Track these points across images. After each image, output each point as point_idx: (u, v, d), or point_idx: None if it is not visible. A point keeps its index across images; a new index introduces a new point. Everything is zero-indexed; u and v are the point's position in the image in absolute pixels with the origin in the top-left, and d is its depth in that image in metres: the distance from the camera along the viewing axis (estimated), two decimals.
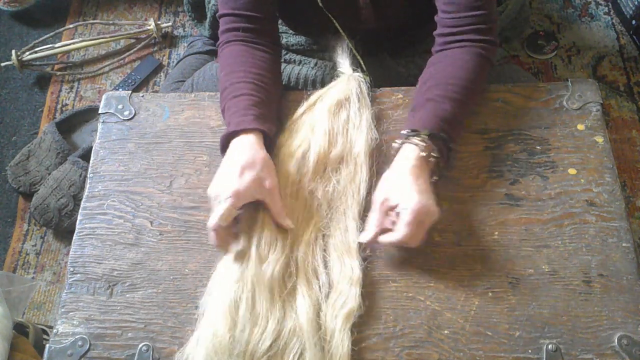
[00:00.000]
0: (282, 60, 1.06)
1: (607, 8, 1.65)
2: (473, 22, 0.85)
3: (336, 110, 0.87)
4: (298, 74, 1.01)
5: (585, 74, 1.54)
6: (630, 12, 1.57)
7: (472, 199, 0.84)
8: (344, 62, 0.93)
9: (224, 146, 0.81)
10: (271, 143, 0.84)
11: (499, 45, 0.88)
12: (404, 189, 0.76)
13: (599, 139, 0.87)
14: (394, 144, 0.83)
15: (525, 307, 0.76)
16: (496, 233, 0.81)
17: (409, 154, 0.79)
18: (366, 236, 0.77)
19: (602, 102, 0.91)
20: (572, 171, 0.85)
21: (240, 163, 0.76)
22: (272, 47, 0.91)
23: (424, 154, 0.79)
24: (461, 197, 0.84)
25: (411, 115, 0.84)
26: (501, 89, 0.93)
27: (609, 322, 0.74)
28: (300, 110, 0.90)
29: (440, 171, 0.83)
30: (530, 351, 0.73)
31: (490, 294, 0.77)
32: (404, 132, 0.81)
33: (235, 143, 0.80)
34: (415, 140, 0.79)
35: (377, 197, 0.78)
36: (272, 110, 0.86)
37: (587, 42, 1.60)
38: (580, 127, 0.89)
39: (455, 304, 0.76)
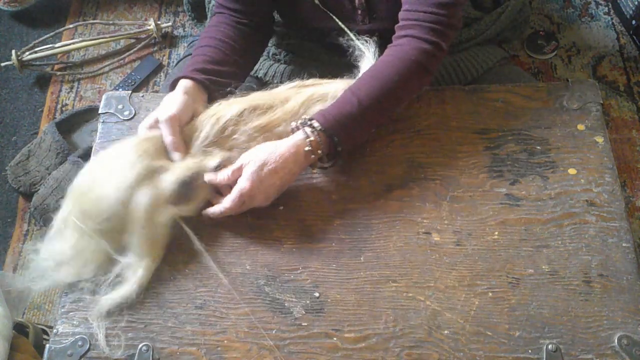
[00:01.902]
0: (283, 62, 1.06)
1: (607, 8, 1.65)
2: (422, 18, 0.84)
3: (314, 101, 0.87)
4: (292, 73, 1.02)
5: (585, 74, 1.54)
6: (630, 12, 1.57)
7: (472, 199, 0.84)
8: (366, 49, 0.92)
9: (172, 89, 0.89)
10: (208, 91, 0.88)
11: (444, 52, 0.86)
12: (257, 168, 0.79)
13: (599, 139, 0.87)
14: (292, 123, 0.84)
15: (525, 307, 0.76)
16: (496, 233, 0.81)
17: (296, 141, 0.81)
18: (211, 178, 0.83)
19: (602, 102, 0.91)
20: (572, 171, 0.85)
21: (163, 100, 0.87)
22: (256, 29, 0.96)
23: (308, 148, 0.80)
24: (461, 197, 0.84)
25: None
26: (501, 89, 0.93)
27: (609, 322, 0.74)
28: (292, 84, 0.90)
29: (322, 167, 0.85)
30: (530, 351, 0.73)
31: (490, 294, 0.77)
32: (306, 117, 0.83)
33: (177, 86, 0.88)
34: (308, 131, 0.81)
35: (242, 157, 0.81)
36: (219, 67, 0.90)
37: (587, 42, 1.60)
38: (580, 127, 0.89)
39: (455, 304, 0.76)
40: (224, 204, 0.81)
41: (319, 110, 0.83)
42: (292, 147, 0.80)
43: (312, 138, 0.80)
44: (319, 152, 0.81)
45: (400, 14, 0.87)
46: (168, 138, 0.83)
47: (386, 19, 0.95)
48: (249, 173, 0.79)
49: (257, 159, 0.80)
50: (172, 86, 0.89)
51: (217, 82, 0.88)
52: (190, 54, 1.26)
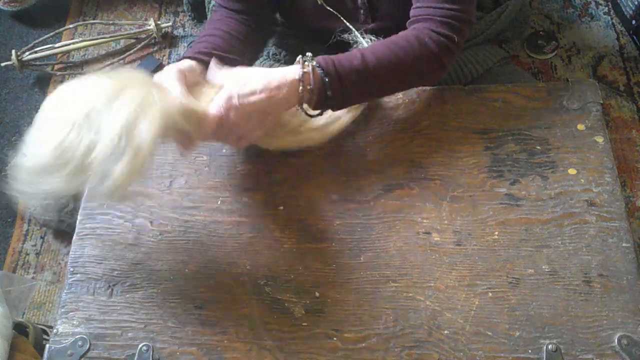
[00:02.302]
0: (283, 61, 1.06)
1: (607, 8, 1.65)
2: (434, 13, 0.83)
3: None
4: None
5: (585, 74, 1.54)
6: (630, 12, 1.57)
7: (472, 199, 0.84)
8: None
9: None
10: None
11: (459, 47, 0.84)
12: (243, 90, 0.75)
13: (599, 139, 0.87)
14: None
15: (525, 307, 0.76)
16: (496, 233, 0.81)
17: (289, 69, 0.77)
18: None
19: (602, 102, 0.91)
20: (572, 171, 0.85)
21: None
22: (256, 29, 0.96)
23: (297, 77, 0.76)
24: (461, 197, 0.84)
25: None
26: (501, 89, 0.93)
27: (609, 322, 0.74)
28: None
29: (307, 113, 0.81)
30: (530, 351, 0.73)
31: (490, 294, 0.77)
32: (313, 61, 0.78)
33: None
34: (305, 62, 0.77)
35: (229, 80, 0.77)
36: (223, 55, 0.88)
37: (587, 42, 1.60)
38: (580, 127, 0.89)
39: (455, 304, 0.76)
40: (206, 124, 0.75)
41: (320, 55, 0.80)
42: (282, 73, 0.77)
43: (305, 70, 0.77)
44: (308, 86, 0.77)
45: (412, 12, 0.86)
46: (173, 83, 0.77)
47: (388, 18, 0.95)
48: (234, 93, 0.75)
49: (243, 80, 0.76)
50: None
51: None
52: None
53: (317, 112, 0.81)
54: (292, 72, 0.77)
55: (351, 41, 0.93)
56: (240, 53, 0.92)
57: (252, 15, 0.95)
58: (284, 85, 0.76)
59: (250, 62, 0.99)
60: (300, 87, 0.77)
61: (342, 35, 0.93)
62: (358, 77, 0.79)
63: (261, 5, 0.97)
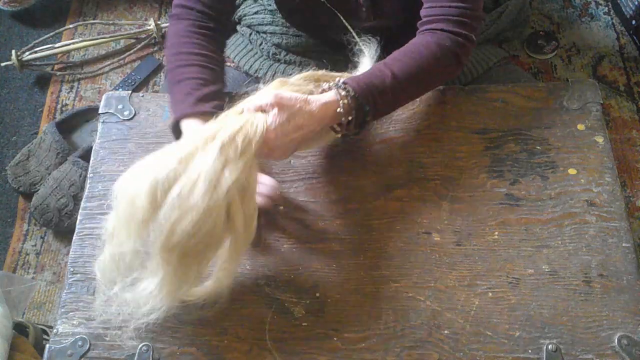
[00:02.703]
0: (283, 61, 1.06)
1: (607, 8, 1.65)
2: (448, 12, 0.83)
3: None
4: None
5: (585, 74, 1.54)
6: (630, 12, 1.57)
7: (472, 199, 0.84)
8: (366, 51, 0.90)
9: (176, 132, 0.83)
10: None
11: (474, 44, 0.85)
12: (285, 120, 0.73)
13: (599, 139, 0.87)
14: (323, 84, 0.80)
15: (525, 307, 0.76)
16: (496, 233, 0.81)
17: (328, 101, 0.76)
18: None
19: (602, 102, 0.91)
20: (572, 171, 0.85)
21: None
22: (221, 28, 0.92)
23: (339, 110, 0.77)
24: (461, 197, 0.84)
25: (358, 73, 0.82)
26: (501, 89, 0.93)
27: (609, 322, 0.74)
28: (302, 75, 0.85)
29: (347, 134, 0.81)
30: (530, 351, 0.73)
31: (490, 294, 0.77)
32: (340, 81, 0.78)
33: (184, 128, 0.81)
34: (342, 93, 0.77)
35: (267, 96, 0.74)
36: (216, 87, 0.85)
37: (587, 42, 1.60)
38: (580, 127, 0.89)
39: (455, 304, 0.76)
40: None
41: (350, 77, 0.80)
42: (323, 106, 0.76)
43: (345, 101, 0.77)
44: (350, 117, 0.78)
45: (423, 12, 0.86)
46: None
47: (391, 16, 0.95)
48: (276, 123, 0.73)
49: (286, 108, 0.74)
50: (175, 128, 0.82)
51: (221, 105, 0.82)
52: None
53: (357, 131, 0.81)
54: (331, 105, 0.76)
55: (352, 40, 0.93)
56: (218, 63, 0.89)
57: (215, 15, 0.90)
58: (325, 121, 0.77)
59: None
60: (342, 119, 0.77)
61: (341, 36, 0.93)
62: (393, 96, 0.81)
63: (225, 2, 0.94)
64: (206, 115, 0.79)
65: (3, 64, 1.64)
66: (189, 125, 0.80)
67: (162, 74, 1.65)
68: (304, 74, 0.84)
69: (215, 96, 0.83)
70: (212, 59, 0.88)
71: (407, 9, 0.95)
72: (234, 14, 1.00)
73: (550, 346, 0.73)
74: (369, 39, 0.90)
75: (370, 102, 0.78)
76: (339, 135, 0.82)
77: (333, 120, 0.78)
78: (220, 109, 0.81)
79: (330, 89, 0.78)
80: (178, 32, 0.88)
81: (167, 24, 1.69)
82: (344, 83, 0.78)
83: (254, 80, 1.07)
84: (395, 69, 0.80)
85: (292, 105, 0.74)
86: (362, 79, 0.79)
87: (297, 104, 0.74)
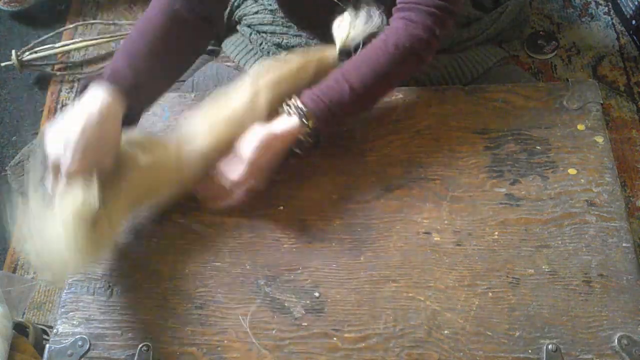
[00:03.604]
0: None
1: (607, 8, 1.65)
2: (421, 1, 0.82)
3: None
4: None
5: (585, 74, 1.54)
6: (630, 12, 1.57)
7: (472, 199, 0.84)
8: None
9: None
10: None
11: (438, 40, 0.84)
12: (256, 156, 0.80)
13: (599, 139, 0.87)
14: (284, 107, 0.82)
15: (525, 307, 0.76)
16: (496, 233, 0.81)
17: (293, 129, 0.81)
18: None
19: (602, 102, 0.91)
20: (572, 171, 0.85)
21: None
22: (213, 18, 0.89)
23: (301, 138, 0.81)
24: (461, 197, 0.84)
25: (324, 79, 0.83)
26: (501, 89, 0.93)
27: (609, 322, 0.74)
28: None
29: (302, 148, 0.84)
30: (530, 351, 0.73)
31: (490, 294, 0.77)
32: (299, 102, 0.81)
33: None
34: (305, 121, 0.80)
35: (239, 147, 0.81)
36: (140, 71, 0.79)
37: (587, 42, 1.60)
38: (580, 127, 0.89)
39: (455, 304, 0.76)
40: (234, 198, 0.83)
41: (309, 94, 0.81)
42: (288, 135, 0.81)
43: (307, 130, 0.81)
44: (307, 134, 0.82)
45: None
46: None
47: (391, 11, 0.95)
48: (249, 163, 0.80)
49: (254, 147, 0.80)
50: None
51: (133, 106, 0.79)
52: None
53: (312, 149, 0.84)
54: (295, 132, 0.81)
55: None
56: (170, 52, 0.84)
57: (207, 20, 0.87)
58: (288, 143, 0.82)
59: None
60: (300, 137, 0.81)
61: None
62: (352, 108, 0.83)
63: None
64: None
65: (3, 64, 1.64)
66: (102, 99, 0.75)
67: None
68: (288, 57, 0.87)
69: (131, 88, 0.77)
70: (174, 55, 0.85)
71: None
72: (223, 10, 0.99)
73: (550, 346, 0.73)
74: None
75: (329, 122, 0.81)
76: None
77: (291, 141, 0.82)
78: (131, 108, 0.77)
79: (290, 115, 0.81)
80: (150, 18, 0.82)
81: None
82: (305, 108, 0.80)
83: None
84: (353, 80, 0.81)
85: (258, 142, 0.79)
86: (321, 98, 0.81)
87: (261, 140, 0.80)
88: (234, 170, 0.81)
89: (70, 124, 0.73)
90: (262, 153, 0.80)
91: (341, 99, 0.81)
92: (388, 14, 0.87)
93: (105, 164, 0.75)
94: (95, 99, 0.74)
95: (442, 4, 0.82)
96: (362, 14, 0.88)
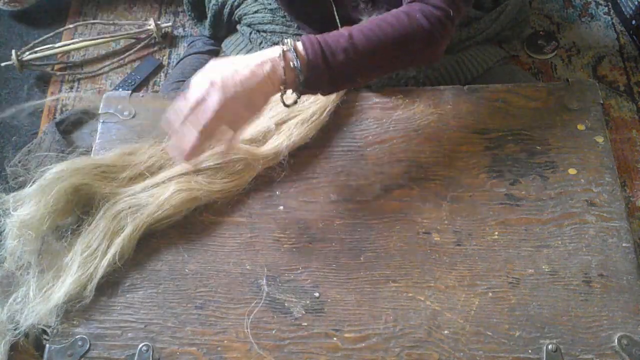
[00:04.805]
0: None
1: (607, 8, 1.65)
2: None
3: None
4: None
5: (585, 74, 1.54)
6: (630, 12, 1.57)
7: (472, 199, 0.84)
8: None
9: None
10: None
11: (453, 23, 0.79)
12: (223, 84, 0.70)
13: (599, 139, 0.87)
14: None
15: (525, 307, 0.76)
16: (496, 233, 0.81)
17: (270, 49, 0.73)
18: None
19: (602, 102, 0.91)
20: (572, 171, 0.85)
21: None
22: None
23: (276, 55, 0.72)
24: (461, 197, 0.84)
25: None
26: (501, 89, 0.93)
27: (609, 322, 0.74)
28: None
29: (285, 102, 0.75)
30: (530, 351, 0.73)
31: (490, 294, 0.77)
32: (297, 41, 0.74)
33: None
34: (285, 49, 0.72)
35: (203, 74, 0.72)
36: None
37: (587, 42, 1.60)
38: (580, 127, 0.89)
39: (455, 304, 0.76)
40: (193, 132, 0.71)
41: (307, 39, 0.74)
42: (262, 54, 0.73)
43: (285, 48, 0.72)
44: (291, 65, 0.72)
45: None
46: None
47: (390, 6, 0.95)
48: (216, 75, 0.70)
49: (224, 64, 0.71)
50: None
51: None
52: (190, 54, 1.27)
53: (293, 100, 0.76)
54: (272, 50, 0.72)
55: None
56: None
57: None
58: (265, 63, 0.72)
59: None
60: (283, 64, 0.72)
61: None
62: (346, 56, 0.74)
63: None
64: None
65: (3, 64, 1.64)
66: None
67: (162, 74, 1.65)
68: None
69: None
70: None
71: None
72: None
73: (550, 346, 0.73)
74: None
75: (317, 54, 0.73)
76: (293, 98, 0.76)
77: (275, 68, 0.72)
78: None
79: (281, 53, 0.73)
80: None
81: (167, 24, 1.69)
82: (292, 43, 0.73)
83: None
84: (355, 30, 0.75)
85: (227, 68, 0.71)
86: (316, 35, 0.74)
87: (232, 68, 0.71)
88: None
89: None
90: (230, 83, 0.70)
91: (336, 42, 0.73)
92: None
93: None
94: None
95: (435, 13, 0.78)
96: None
